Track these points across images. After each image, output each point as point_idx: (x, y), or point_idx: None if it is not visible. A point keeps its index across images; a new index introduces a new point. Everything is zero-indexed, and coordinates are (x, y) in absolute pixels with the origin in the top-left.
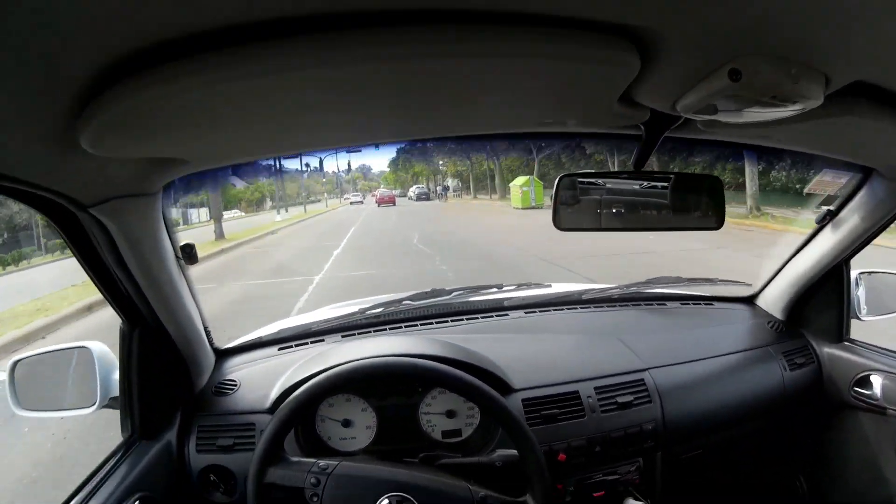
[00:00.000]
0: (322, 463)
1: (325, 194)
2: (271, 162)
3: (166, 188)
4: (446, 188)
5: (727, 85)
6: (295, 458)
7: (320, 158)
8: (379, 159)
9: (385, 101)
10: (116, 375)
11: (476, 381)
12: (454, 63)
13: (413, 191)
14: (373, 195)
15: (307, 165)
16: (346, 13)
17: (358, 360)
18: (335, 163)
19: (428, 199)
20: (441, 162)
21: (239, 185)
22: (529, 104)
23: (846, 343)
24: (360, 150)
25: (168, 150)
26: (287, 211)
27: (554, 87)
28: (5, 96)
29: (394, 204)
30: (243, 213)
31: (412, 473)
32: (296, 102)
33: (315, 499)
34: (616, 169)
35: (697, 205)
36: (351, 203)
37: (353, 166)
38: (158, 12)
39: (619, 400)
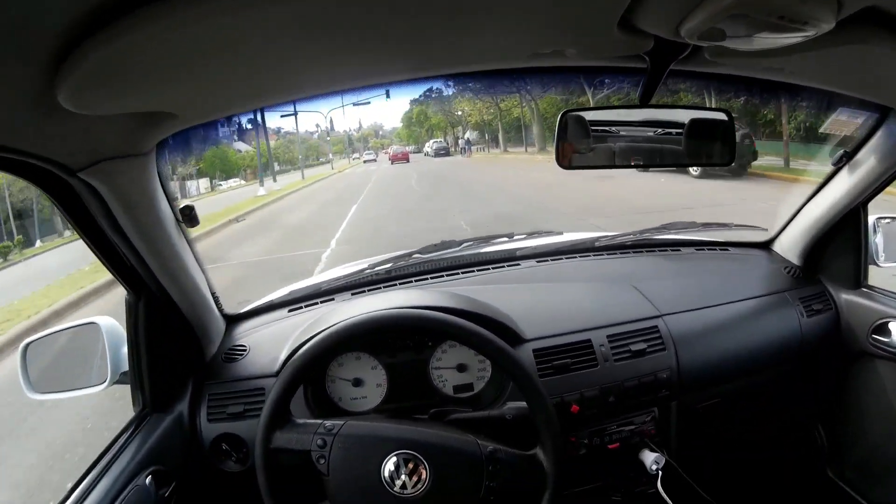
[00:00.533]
0: (328, 424)
1: (331, 155)
2: (277, 123)
3: (160, 147)
4: (468, 142)
5: (732, 2)
6: (301, 421)
7: (330, 118)
8: (391, 116)
9: (369, 34)
10: (125, 350)
11: (484, 332)
12: None
13: (430, 146)
14: (385, 152)
15: (317, 125)
16: None
17: (365, 314)
18: (345, 121)
19: (447, 154)
20: (460, 112)
21: (243, 149)
22: (524, 29)
23: (864, 289)
24: (369, 103)
25: (151, 102)
26: (275, 181)
27: (548, 9)
28: None
29: (408, 161)
30: (244, 182)
31: (419, 430)
32: (277, 43)
33: (322, 461)
34: None
35: (706, 141)
36: (364, 161)
37: (365, 124)
38: None
39: (633, 348)
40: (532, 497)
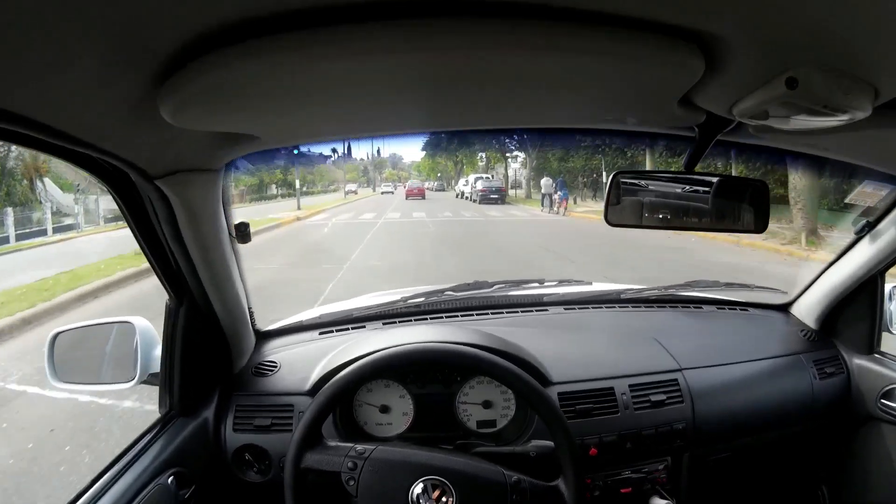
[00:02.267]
0: (359, 447)
1: (347, 184)
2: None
3: (227, 166)
4: (562, 183)
5: (784, 92)
6: (332, 443)
7: (349, 143)
8: (411, 149)
9: (455, 89)
10: (157, 351)
11: (517, 370)
12: (526, 56)
13: (471, 184)
14: (403, 186)
15: (334, 150)
16: (419, 2)
17: (404, 345)
18: (361, 149)
19: (501, 200)
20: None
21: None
22: (591, 100)
23: (876, 355)
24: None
25: (243, 125)
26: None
27: (616, 84)
28: (93, 61)
29: (423, 197)
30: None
31: (447, 458)
32: (371, 86)
33: (352, 482)
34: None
35: (741, 208)
36: (382, 193)
37: (384, 153)
38: None
39: (653, 398)
40: None
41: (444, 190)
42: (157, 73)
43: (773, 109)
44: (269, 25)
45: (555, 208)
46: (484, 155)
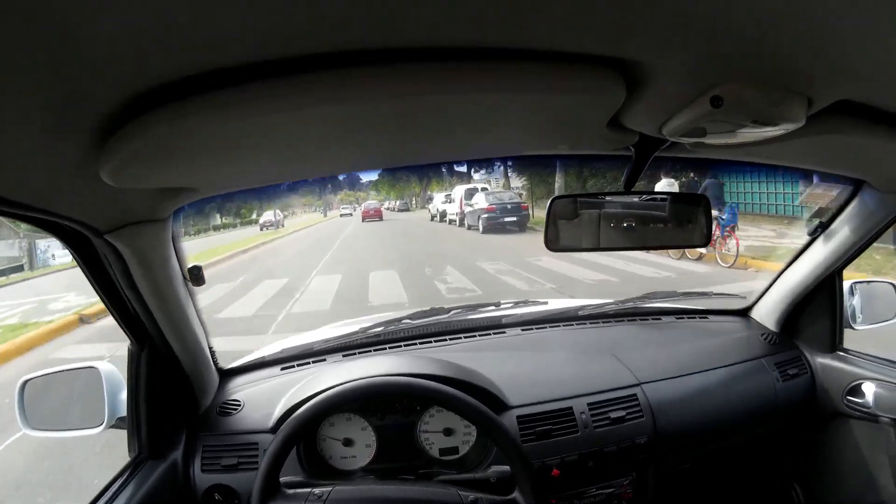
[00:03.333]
0: (317, 491)
1: (293, 208)
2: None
3: (175, 212)
4: (719, 198)
5: (709, 111)
6: (291, 491)
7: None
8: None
9: (386, 131)
10: (124, 395)
11: (470, 400)
12: (450, 97)
13: (465, 199)
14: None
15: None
16: (348, 52)
17: (357, 379)
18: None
19: (521, 226)
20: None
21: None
22: (521, 132)
23: (839, 353)
24: None
25: (181, 180)
26: None
27: (542, 116)
28: (32, 130)
29: (380, 218)
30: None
31: (403, 488)
32: (305, 135)
33: None
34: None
35: (684, 224)
36: (341, 216)
37: (340, 175)
38: (176, 52)
39: (612, 415)
40: None
41: (408, 210)
42: (93, 138)
43: (703, 127)
44: (199, 85)
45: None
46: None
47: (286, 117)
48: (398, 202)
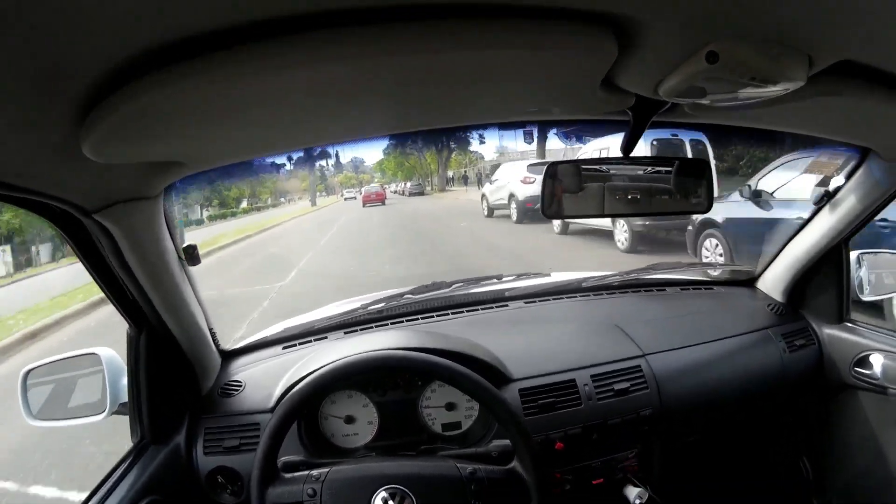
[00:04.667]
0: (315, 472)
1: (291, 194)
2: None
3: (167, 190)
4: None
5: (705, 68)
6: (289, 475)
7: (312, 153)
8: (372, 151)
9: (376, 96)
10: (125, 381)
11: (469, 373)
12: (439, 57)
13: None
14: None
15: (290, 158)
16: (336, 11)
17: (355, 355)
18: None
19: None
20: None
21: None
22: (513, 94)
23: (846, 323)
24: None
25: (167, 153)
26: None
27: (534, 76)
28: (11, 105)
29: (382, 203)
30: None
31: (401, 464)
32: (292, 101)
33: None
34: None
35: (685, 189)
36: (345, 199)
37: (343, 158)
38: (156, 17)
39: (616, 387)
40: None
41: (422, 193)
42: (74, 112)
43: (700, 86)
44: (181, 50)
45: None
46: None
47: (274, 80)
48: (408, 184)
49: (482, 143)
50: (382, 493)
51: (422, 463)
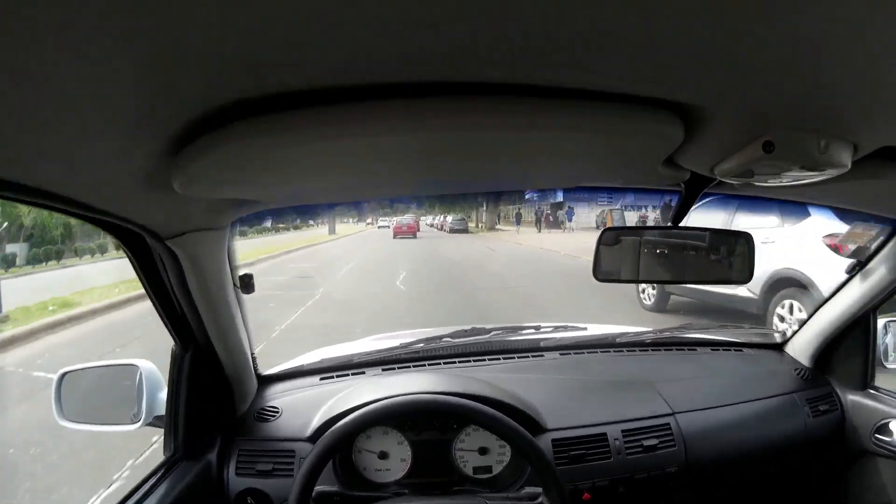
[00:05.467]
0: None
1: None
2: None
3: (233, 222)
4: None
5: (761, 155)
6: None
7: None
8: None
9: (443, 163)
10: (162, 394)
11: (509, 421)
12: (509, 133)
13: None
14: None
15: None
16: (418, 84)
17: (399, 395)
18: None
19: None
20: None
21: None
22: (578, 167)
23: (870, 390)
24: None
25: (248, 193)
26: None
27: (598, 153)
28: (111, 133)
29: (414, 235)
30: None
31: (435, 503)
32: (368, 159)
33: None
34: None
35: (728, 259)
36: (378, 227)
37: None
38: (261, 68)
39: (645, 443)
40: None
41: (466, 230)
42: (168, 148)
43: (752, 169)
44: (269, 104)
45: None
46: None
47: (353, 142)
48: (449, 217)
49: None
50: None
51: (451, 501)
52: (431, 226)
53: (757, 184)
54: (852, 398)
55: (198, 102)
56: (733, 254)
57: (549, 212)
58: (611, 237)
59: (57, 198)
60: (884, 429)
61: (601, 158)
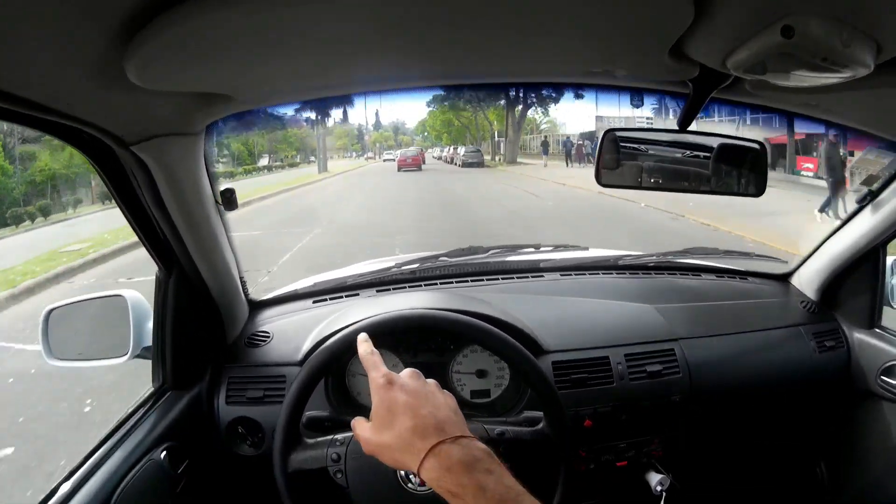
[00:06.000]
0: (339, 437)
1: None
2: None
3: (209, 129)
4: None
5: (779, 42)
6: (312, 440)
7: (344, 107)
8: (413, 112)
9: (432, 37)
10: (150, 325)
11: (507, 338)
12: None
13: None
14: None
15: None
16: None
17: (392, 311)
18: (358, 114)
19: None
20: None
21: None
22: (579, 49)
23: (877, 330)
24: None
25: (213, 83)
26: None
27: (604, 32)
28: (52, 21)
29: (419, 168)
30: None
31: None
32: (339, 34)
33: (339, 475)
34: None
35: (739, 171)
36: (384, 160)
37: (385, 120)
38: None
39: (649, 369)
40: (549, 475)
41: (481, 164)
42: (121, 30)
43: (769, 62)
44: None
45: None
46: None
47: (314, 9)
48: (462, 149)
49: (579, 97)
50: None
51: None
52: (439, 158)
53: (771, 81)
54: (859, 336)
55: None
56: (745, 165)
57: (580, 142)
58: (614, 139)
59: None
60: (891, 371)
61: (603, 40)
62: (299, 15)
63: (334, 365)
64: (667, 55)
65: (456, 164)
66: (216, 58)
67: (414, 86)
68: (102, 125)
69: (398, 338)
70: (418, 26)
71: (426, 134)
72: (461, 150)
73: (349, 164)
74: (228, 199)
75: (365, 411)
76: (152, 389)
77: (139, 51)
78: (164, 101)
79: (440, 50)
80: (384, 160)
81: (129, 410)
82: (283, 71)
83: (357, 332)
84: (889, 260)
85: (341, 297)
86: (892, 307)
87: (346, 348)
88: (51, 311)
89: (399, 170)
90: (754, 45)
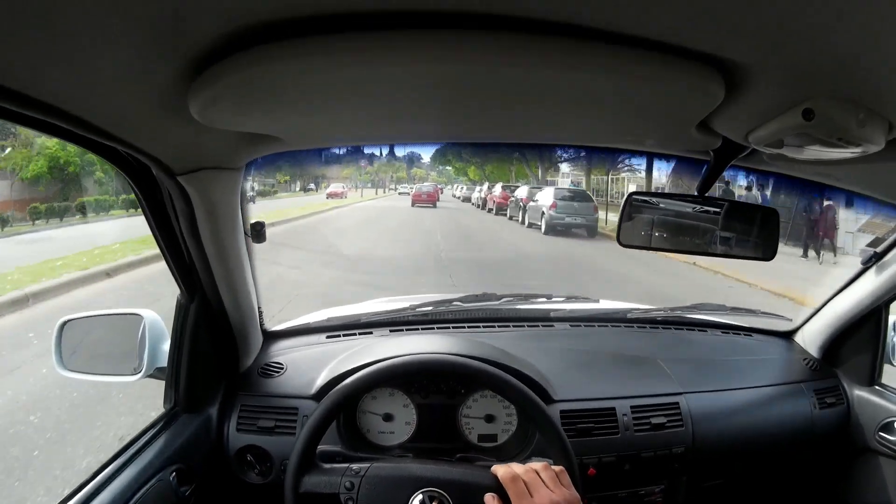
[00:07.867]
0: (355, 466)
1: (328, 181)
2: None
3: (248, 164)
4: None
5: (800, 123)
6: (328, 466)
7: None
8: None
9: (473, 101)
10: (165, 346)
11: (520, 385)
12: (541, 71)
13: None
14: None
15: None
16: (451, 13)
17: (410, 355)
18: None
19: None
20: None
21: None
22: (611, 120)
23: (877, 387)
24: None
25: (268, 125)
26: None
27: (636, 106)
28: (128, 50)
29: (433, 205)
30: None
31: (441, 468)
32: (392, 94)
33: (350, 502)
34: None
35: (751, 234)
36: (399, 193)
37: (399, 151)
38: None
39: (653, 421)
40: None
41: (593, 229)
42: (189, 68)
43: (788, 139)
44: (298, 28)
45: None
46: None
47: (372, 72)
48: (498, 186)
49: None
50: (420, 496)
51: (461, 469)
52: (456, 196)
53: (789, 155)
54: (859, 393)
55: (223, 20)
56: (759, 230)
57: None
58: (636, 203)
59: (63, 115)
60: (889, 427)
61: (636, 114)
62: (360, 73)
63: (349, 403)
64: (693, 129)
65: (486, 207)
66: (275, 103)
67: (453, 141)
68: (156, 154)
69: (412, 379)
70: (463, 93)
71: (442, 168)
72: (498, 186)
73: (354, 197)
74: (258, 232)
75: (373, 449)
76: (164, 410)
77: (203, 90)
78: (217, 136)
79: (483, 114)
80: (399, 193)
81: (141, 430)
82: (333, 120)
83: (377, 372)
84: (892, 318)
85: (354, 334)
86: (892, 365)
87: (366, 387)
88: (65, 322)
89: (413, 205)
90: (776, 124)
